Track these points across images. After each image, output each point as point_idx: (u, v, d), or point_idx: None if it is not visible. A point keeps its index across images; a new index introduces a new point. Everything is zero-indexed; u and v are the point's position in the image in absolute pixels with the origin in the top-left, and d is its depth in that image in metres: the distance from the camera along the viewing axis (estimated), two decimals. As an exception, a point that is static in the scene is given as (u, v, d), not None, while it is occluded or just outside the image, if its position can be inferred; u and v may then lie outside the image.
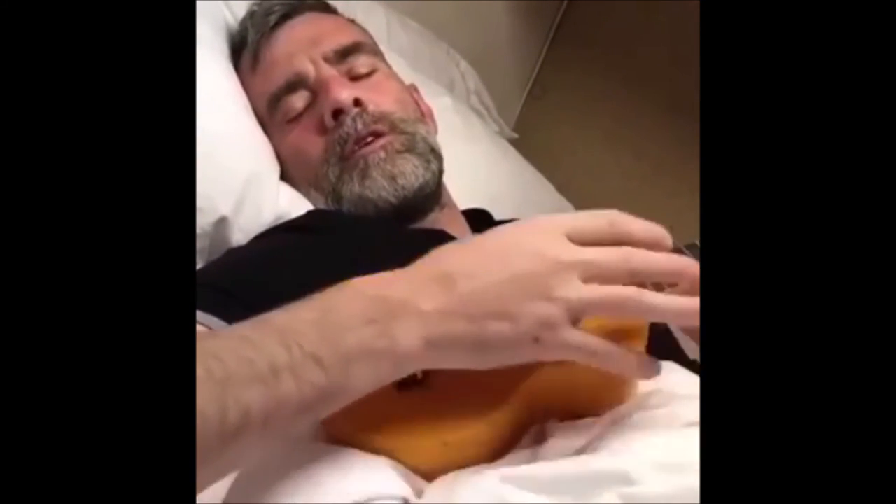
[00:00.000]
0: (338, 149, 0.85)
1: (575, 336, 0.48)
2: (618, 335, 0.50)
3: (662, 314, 0.49)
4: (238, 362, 0.45)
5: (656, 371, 0.51)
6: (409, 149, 0.86)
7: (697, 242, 0.60)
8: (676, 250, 0.64)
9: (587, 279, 0.48)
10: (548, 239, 0.50)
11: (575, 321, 0.48)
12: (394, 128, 0.86)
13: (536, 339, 0.48)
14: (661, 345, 0.55)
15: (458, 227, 0.89)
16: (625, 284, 0.49)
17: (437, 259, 0.51)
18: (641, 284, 0.49)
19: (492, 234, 0.52)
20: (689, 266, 0.49)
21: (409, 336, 0.48)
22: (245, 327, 0.48)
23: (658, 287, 0.51)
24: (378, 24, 1.18)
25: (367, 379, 0.48)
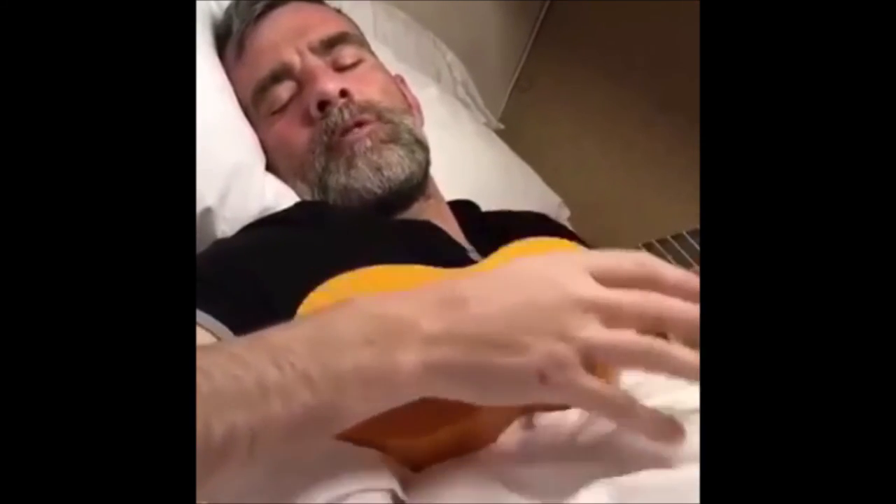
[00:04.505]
0: (324, 139, 0.84)
1: (587, 381, 0.45)
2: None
3: (682, 373, 0.45)
4: (225, 380, 0.43)
5: (681, 435, 0.45)
6: (394, 139, 0.85)
7: (684, 232, 0.60)
8: (661, 242, 0.64)
9: (608, 322, 0.45)
10: (570, 273, 0.47)
11: (587, 366, 0.45)
12: (380, 117, 0.86)
13: (543, 378, 0.45)
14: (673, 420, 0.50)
15: (444, 218, 0.88)
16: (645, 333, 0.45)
17: (450, 282, 0.49)
18: (662, 335, 0.46)
19: (511, 264, 0.49)
20: None
21: (406, 360, 0.45)
22: (239, 344, 0.47)
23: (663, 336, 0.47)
24: (364, 14, 1.17)
25: (359, 403, 0.45)
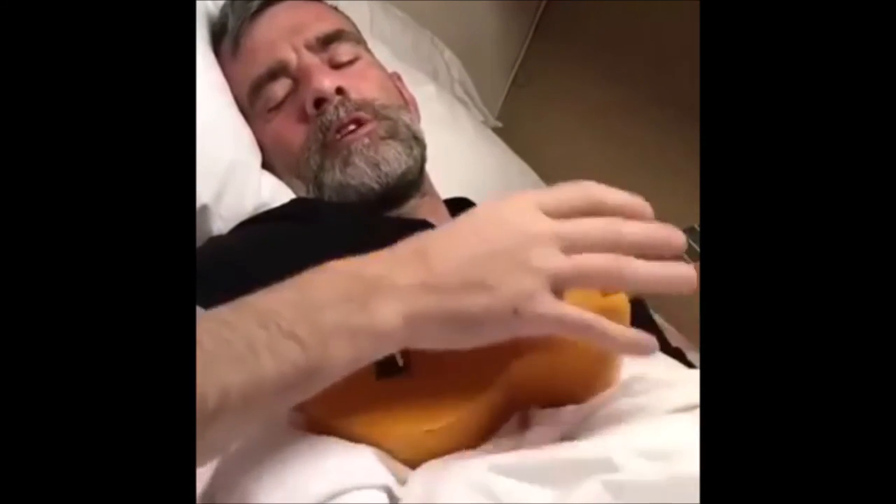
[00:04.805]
0: (320, 136, 0.84)
1: (556, 307, 0.47)
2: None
3: (647, 282, 0.48)
4: (216, 344, 0.44)
5: (651, 346, 0.49)
6: (392, 135, 0.85)
7: (696, 226, 0.59)
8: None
9: (567, 251, 0.48)
10: (523, 212, 0.49)
11: (557, 294, 0.47)
12: (376, 114, 0.86)
13: (515, 311, 0.47)
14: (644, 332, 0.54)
15: (440, 215, 0.88)
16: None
17: (415, 239, 0.51)
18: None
19: (468, 213, 0.52)
20: (672, 235, 0.49)
21: (386, 312, 0.47)
22: (223, 311, 0.48)
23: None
24: (361, 12, 1.17)
25: (346, 357, 0.47)
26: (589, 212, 0.49)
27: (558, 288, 0.47)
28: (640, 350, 0.49)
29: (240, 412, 0.45)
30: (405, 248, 0.50)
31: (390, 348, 0.49)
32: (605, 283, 0.49)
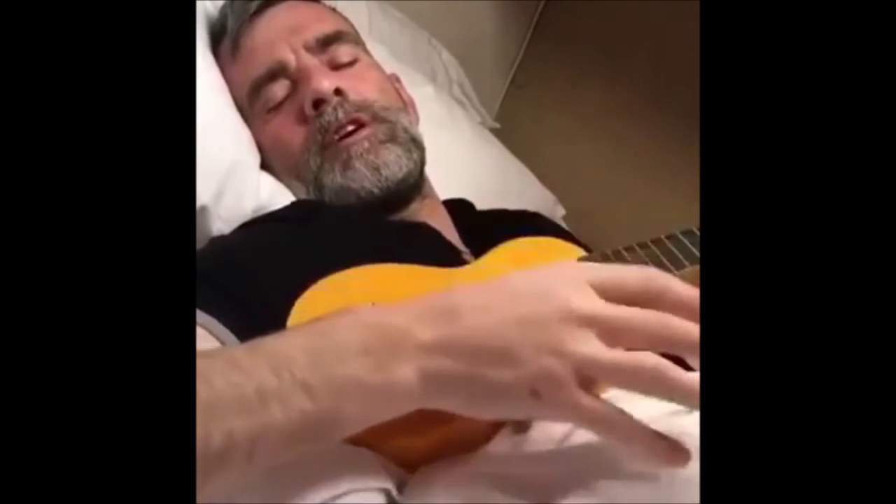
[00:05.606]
0: (319, 138, 0.84)
1: (582, 398, 0.43)
2: None
3: (688, 396, 0.42)
4: (225, 386, 0.43)
5: (683, 458, 0.42)
6: (392, 138, 0.85)
7: (695, 229, 0.59)
8: (655, 241, 0.64)
9: (606, 338, 0.43)
10: (567, 284, 0.45)
11: (584, 384, 0.43)
12: (375, 117, 0.86)
13: (536, 394, 0.43)
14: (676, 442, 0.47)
15: (440, 217, 0.88)
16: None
17: (448, 292, 0.48)
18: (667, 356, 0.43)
19: (512, 274, 0.48)
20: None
21: (403, 370, 0.44)
22: (237, 350, 0.47)
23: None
24: (359, 12, 1.17)
25: (358, 412, 0.45)
26: (648, 301, 0.45)
27: (586, 377, 0.43)
28: (668, 461, 0.43)
29: (245, 459, 0.43)
30: (435, 299, 0.47)
31: (405, 408, 0.46)
32: (641, 387, 0.43)
